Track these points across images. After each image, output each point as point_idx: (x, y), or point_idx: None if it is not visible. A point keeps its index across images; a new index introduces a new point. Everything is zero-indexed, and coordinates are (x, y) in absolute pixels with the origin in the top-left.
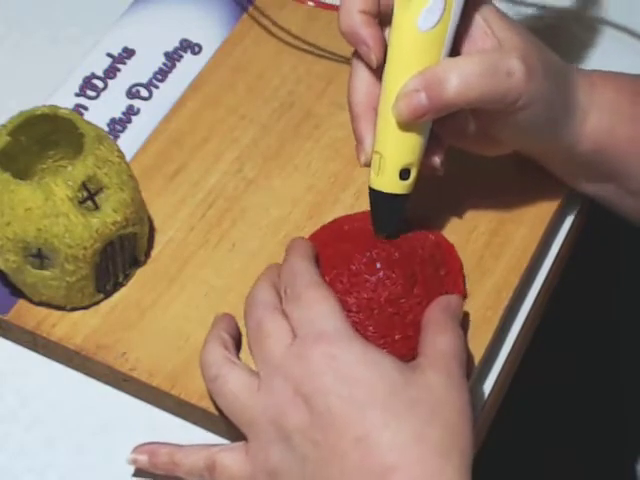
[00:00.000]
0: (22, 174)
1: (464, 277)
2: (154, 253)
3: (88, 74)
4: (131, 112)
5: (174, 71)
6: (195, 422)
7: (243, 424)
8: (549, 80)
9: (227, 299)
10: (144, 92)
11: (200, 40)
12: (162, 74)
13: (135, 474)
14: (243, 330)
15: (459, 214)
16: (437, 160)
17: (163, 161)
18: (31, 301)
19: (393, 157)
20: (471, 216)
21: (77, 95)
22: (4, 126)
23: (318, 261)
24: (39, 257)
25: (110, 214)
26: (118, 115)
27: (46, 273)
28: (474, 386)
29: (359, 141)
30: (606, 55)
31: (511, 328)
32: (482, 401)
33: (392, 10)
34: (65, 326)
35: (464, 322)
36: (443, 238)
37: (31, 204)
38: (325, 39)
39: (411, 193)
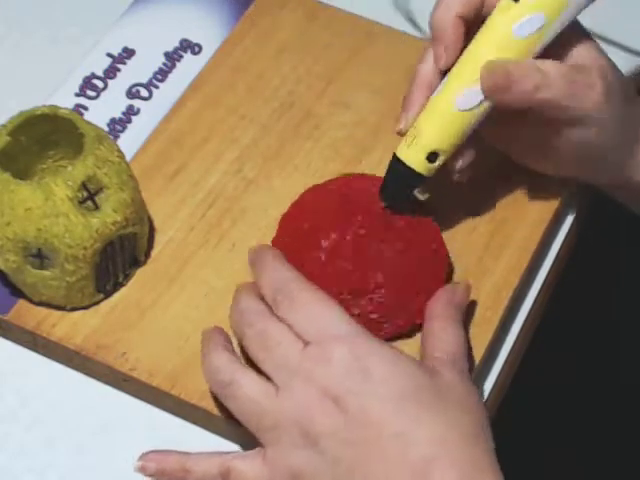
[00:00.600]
0: (22, 174)
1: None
2: (154, 253)
3: (88, 74)
4: (131, 112)
5: (174, 71)
6: (195, 422)
7: (262, 429)
8: (624, 106)
9: (227, 299)
10: (144, 92)
11: (200, 40)
12: (162, 74)
13: (135, 474)
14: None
15: (459, 215)
16: (459, 163)
17: (163, 161)
18: (31, 301)
19: (430, 136)
20: (471, 217)
21: (77, 95)
22: (4, 126)
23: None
24: (39, 257)
25: (110, 214)
26: (118, 115)
27: (46, 273)
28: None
29: (405, 108)
30: None
31: (511, 328)
32: (482, 401)
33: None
34: (65, 326)
35: (470, 308)
36: (442, 245)
37: (31, 204)
38: (325, 39)
39: (428, 178)
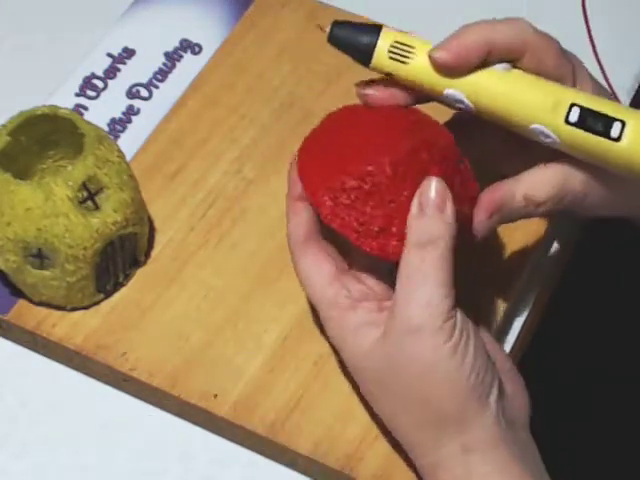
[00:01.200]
0: (22, 174)
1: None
2: (154, 253)
3: (88, 74)
4: (131, 112)
5: (174, 71)
6: (195, 422)
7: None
8: None
9: (227, 299)
10: (144, 92)
11: (200, 40)
12: (162, 74)
13: (135, 474)
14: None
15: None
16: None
17: (163, 161)
18: (31, 301)
19: (401, 69)
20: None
21: (77, 95)
22: (4, 126)
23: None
24: (39, 257)
25: (110, 214)
26: (118, 115)
27: (46, 273)
28: None
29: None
30: None
31: (511, 328)
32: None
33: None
34: (65, 326)
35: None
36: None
37: (31, 204)
38: (325, 39)
39: (365, 66)
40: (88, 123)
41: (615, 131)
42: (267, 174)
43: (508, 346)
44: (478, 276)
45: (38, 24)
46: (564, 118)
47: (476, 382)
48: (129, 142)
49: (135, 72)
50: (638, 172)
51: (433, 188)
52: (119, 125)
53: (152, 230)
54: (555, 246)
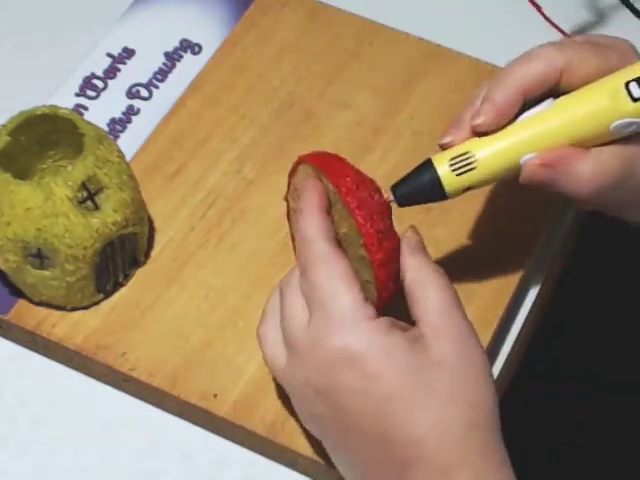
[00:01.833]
0: (22, 174)
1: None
2: (154, 253)
3: (88, 74)
4: (131, 112)
5: (174, 71)
6: (195, 422)
7: (283, 386)
8: None
9: (227, 299)
10: (144, 92)
11: (200, 40)
12: (162, 74)
13: (135, 474)
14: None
15: (458, 216)
16: None
17: (163, 161)
18: (31, 301)
19: (484, 177)
20: (470, 218)
21: (77, 95)
22: (4, 126)
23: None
24: (39, 257)
25: (110, 214)
26: (118, 115)
27: (46, 273)
28: None
29: (457, 126)
30: None
31: (511, 328)
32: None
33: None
34: (65, 326)
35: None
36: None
37: (31, 204)
38: (325, 39)
39: (446, 198)
40: (88, 123)
41: None
42: (267, 174)
43: (507, 346)
44: (478, 275)
45: (38, 24)
46: (630, 98)
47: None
48: (129, 142)
49: (135, 72)
50: None
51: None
52: (119, 125)
53: (152, 230)
54: (556, 244)
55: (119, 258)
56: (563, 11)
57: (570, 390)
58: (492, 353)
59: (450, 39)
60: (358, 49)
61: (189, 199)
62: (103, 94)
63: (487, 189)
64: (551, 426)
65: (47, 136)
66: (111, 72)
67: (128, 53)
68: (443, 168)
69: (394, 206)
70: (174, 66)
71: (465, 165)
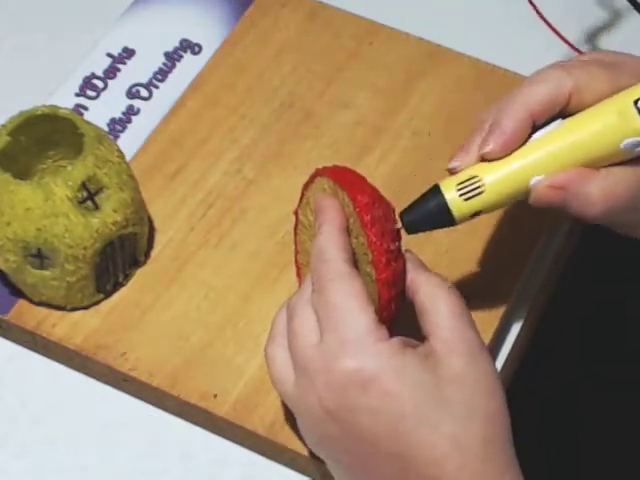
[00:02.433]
0: (22, 174)
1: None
2: (154, 253)
3: (88, 74)
4: (131, 112)
5: (174, 71)
6: (195, 422)
7: (290, 408)
8: None
9: (227, 299)
10: (144, 92)
11: (200, 40)
12: (162, 74)
13: (135, 474)
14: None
15: None
16: None
17: (163, 161)
18: (31, 301)
19: (492, 202)
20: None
21: (77, 95)
22: (4, 126)
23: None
24: (39, 257)
25: (110, 214)
26: (118, 115)
27: (46, 273)
28: None
29: (466, 150)
30: None
31: (511, 328)
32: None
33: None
34: (65, 326)
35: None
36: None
37: (31, 204)
38: (325, 39)
39: (454, 224)
40: (88, 123)
41: None
42: (267, 174)
43: (506, 349)
44: (476, 279)
45: (38, 24)
46: (639, 117)
47: None
48: (129, 142)
49: (135, 72)
50: None
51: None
52: (119, 125)
53: (152, 230)
54: (555, 245)
55: (119, 258)
56: (564, 13)
57: (571, 390)
58: (492, 353)
59: (450, 39)
60: (358, 49)
61: (189, 199)
62: (103, 94)
63: None
64: (551, 426)
65: (47, 136)
66: (111, 72)
67: (128, 53)
68: (451, 194)
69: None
70: (174, 66)
71: (473, 190)
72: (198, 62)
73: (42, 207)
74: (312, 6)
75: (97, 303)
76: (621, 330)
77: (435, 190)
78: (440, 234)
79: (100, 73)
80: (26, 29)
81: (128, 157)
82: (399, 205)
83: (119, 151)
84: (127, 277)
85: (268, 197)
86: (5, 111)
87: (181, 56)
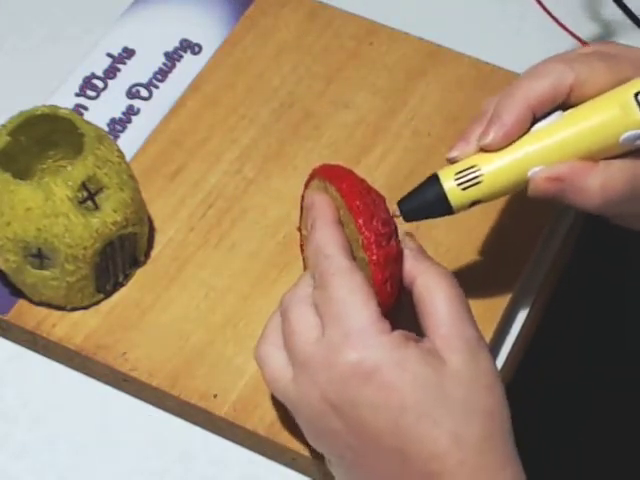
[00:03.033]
0: (22, 174)
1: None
2: (154, 253)
3: (88, 74)
4: (131, 112)
5: (174, 71)
6: (195, 422)
7: (287, 406)
8: None
9: (227, 299)
10: (144, 92)
11: (200, 40)
12: (162, 74)
13: (135, 474)
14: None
15: (458, 215)
16: None
17: (163, 161)
18: (31, 301)
19: (490, 191)
20: (470, 218)
21: (77, 95)
22: (4, 126)
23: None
24: (39, 257)
25: (110, 214)
26: (118, 115)
27: (46, 273)
28: None
29: (466, 139)
30: None
31: (511, 328)
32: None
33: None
34: (65, 326)
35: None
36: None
37: (31, 204)
38: (325, 39)
39: (452, 213)
40: (88, 123)
41: None
42: (267, 174)
43: (507, 347)
44: (478, 276)
45: (38, 24)
46: (639, 110)
47: None
48: (129, 142)
49: (135, 72)
50: None
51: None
52: (119, 125)
53: (152, 230)
54: (555, 244)
55: (119, 258)
56: (566, 9)
57: (571, 390)
58: (493, 351)
59: (450, 39)
60: (358, 49)
61: (189, 199)
62: (103, 94)
63: None
64: (551, 426)
65: (47, 136)
66: (111, 72)
67: (128, 53)
68: (449, 183)
69: (400, 220)
70: (174, 66)
71: (471, 179)
72: (198, 62)
73: (42, 207)
74: (312, 6)
75: (97, 303)
76: (621, 330)
77: (433, 179)
78: (440, 232)
79: (100, 73)
80: (26, 29)
81: (128, 157)
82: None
83: (119, 151)
84: (127, 277)
85: (268, 197)
86: (5, 111)
87: (181, 56)
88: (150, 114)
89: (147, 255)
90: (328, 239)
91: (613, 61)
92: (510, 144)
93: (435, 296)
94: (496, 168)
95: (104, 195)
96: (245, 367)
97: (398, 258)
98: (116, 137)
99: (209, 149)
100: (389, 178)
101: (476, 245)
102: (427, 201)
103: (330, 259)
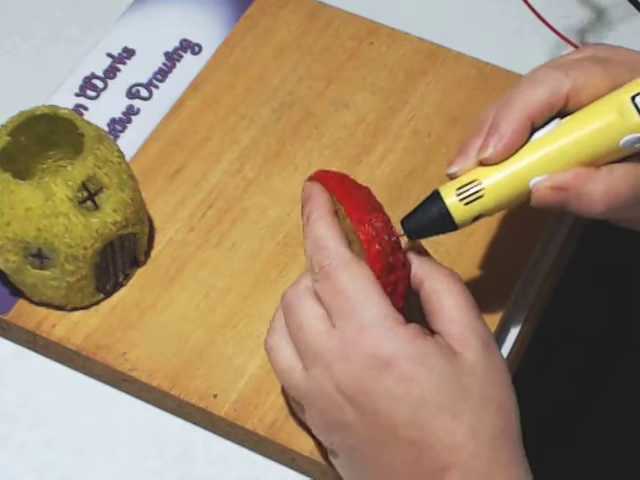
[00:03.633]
0: (22, 174)
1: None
2: (154, 253)
3: (88, 74)
4: (131, 112)
5: (174, 71)
6: (195, 422)
7: (298, 399)
8: None
9: (227, 299)
10: (144, 92)
11: (200, 40)
12: (162, 74)
13: (135, 474)
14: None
15: None
16: None
17: (163, 161)
18: (31, 301)
19: (493, 205)
20: None
21: (77, 95)
22: (4, 126)
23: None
24: (39, 257)
25: (110, 214)
26: (118, 115)
27: (46, 273)
28: None
29: (465, 153)
30: None
31: (511, 329)
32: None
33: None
34: (65, 326)
35: None
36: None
37: (31, 204)
38: (325, 39)
39: (456, 229)
40: (88, 123)
41: None
42: (267, 174)
43: (506, 349)
44: (475, 279)
45: (38, 24)
46: (637, 113)
47: None
48: (129, 142)
49: (135, 72)
50: None
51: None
52: (119, 125)
53: (152, 230)
54: (555, 244)
55: (119, 258)
56: (560, 10)
57: (571, 390)
58: None
59: (450, 39)
60: (358, 49)
61: (189, 199)
62: (103, 94)
63: None
64: (550, 426)
65: (47, 136)
66: (111, 72)
67: (128, 53)
68: (451, 199)
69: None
70: (174, 66)
71: (473, 194)
72: (198, 62)
73: (42, 207)
74: (312, 6)
75: (97, 303)
76: (622, 329)
77: (435, 196)
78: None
79: (100, 73)
80: (26, 29)
81: (128, 157)
82: (399, 205)
83: (119, 151)
84: (127, 277)
85: (268, 197)
86: (5, 111)
87: (181, 56)
88: (150, 114)
89: (147, 255)
90: (326, 231)
91: (608, 65)
92: (510, 156)
93: (443, 297)
94: (497, 181)
95: (104, 195)
96: (245, 367)
97: (396, 248)
98: (116, 137)
99: (209, 149)
100: (389, 178)
101: (474, 249)
102: (430, 219)
103: (329, 251)
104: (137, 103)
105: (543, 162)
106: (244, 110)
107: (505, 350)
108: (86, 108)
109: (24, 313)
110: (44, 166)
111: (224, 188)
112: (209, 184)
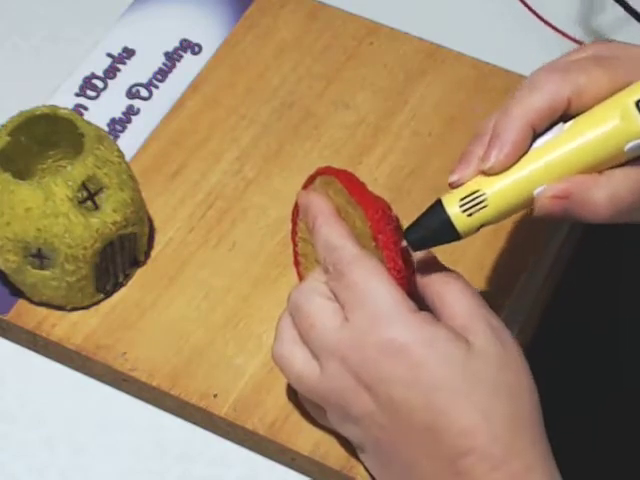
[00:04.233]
0: (22, 174)
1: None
2: (154, 253)
3: (88, 74)
4: (131, 112)
5: (174, 71)
6: (195, 422)
7: (313, 400)
8: None
9: (227, 299)
10: (144, 92)
11: (200, 40)
12: (162, 74)
13: (135, 474)
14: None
15: None
16: None
17: (163, 161)
18: (31, 301)
19: (497, 214)
20: None
21: (77, 95)
22: (4, 126)
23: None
24: (39, 257)
25: (110, 214)
26: (118, 115)
27: (46, 273)
28: None
29: (466, 162)
30: None
31: (510, 328)
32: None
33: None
34: (65, 326)
35: None
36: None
37: (31, 204)
38: (325, 39)
39: (460, 239)
40: (88, 123)
41: None
42: (267, 174)
43: None
44: (477, 278)
45: (38, 24)
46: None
47: None
48: (129, 142)
49: (135, 72)
50: None
51: None
52: (119, 125)
53: (152, 230)
54: (556, 244)
55: (119, 258)
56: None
57: (570, 390)
58: None
59: (450, 39)
60: (358, 49)
61: (189, 199)
62: (103, 94)
63: None
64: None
65: (47, 136)
66: (111, 72)
67: (128, 53)
68: (453, 209)
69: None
70: (174, 66)
71: (476, 204)
72: (198, 62)
73: (42, 207)
74: (312, 6)
75: (97, 303)
76: (622, 329)
77: (438, 207)
78: None
79: (100, 73)
80: (26, 29)
81: (128, 157)
82: (399, 205)
83: (119, 151)
84: (127, 277)
85: (268, 197)
86: (5, 111)
87: (181, 56)
88: (150, 114)
89: (147, 255)
90: (334, 233)
91: (610, 65)
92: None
93: (447, 294)
94: (501, 190)
95: (104, 195)
96: (245, 367)
97: (398, 235)
98: (116, 137)
99: (209, 149)
100: (389, 178)
101: (473, 250)
102: (433, 230)
103: (340, 250)
104: (137, 103)
105: (547, 170)
106: (244, 110)
107: None
108: (86, 108)
109: (24, 313)
110: (44, 166)
111: (224, 188)
112: (209, 184)
